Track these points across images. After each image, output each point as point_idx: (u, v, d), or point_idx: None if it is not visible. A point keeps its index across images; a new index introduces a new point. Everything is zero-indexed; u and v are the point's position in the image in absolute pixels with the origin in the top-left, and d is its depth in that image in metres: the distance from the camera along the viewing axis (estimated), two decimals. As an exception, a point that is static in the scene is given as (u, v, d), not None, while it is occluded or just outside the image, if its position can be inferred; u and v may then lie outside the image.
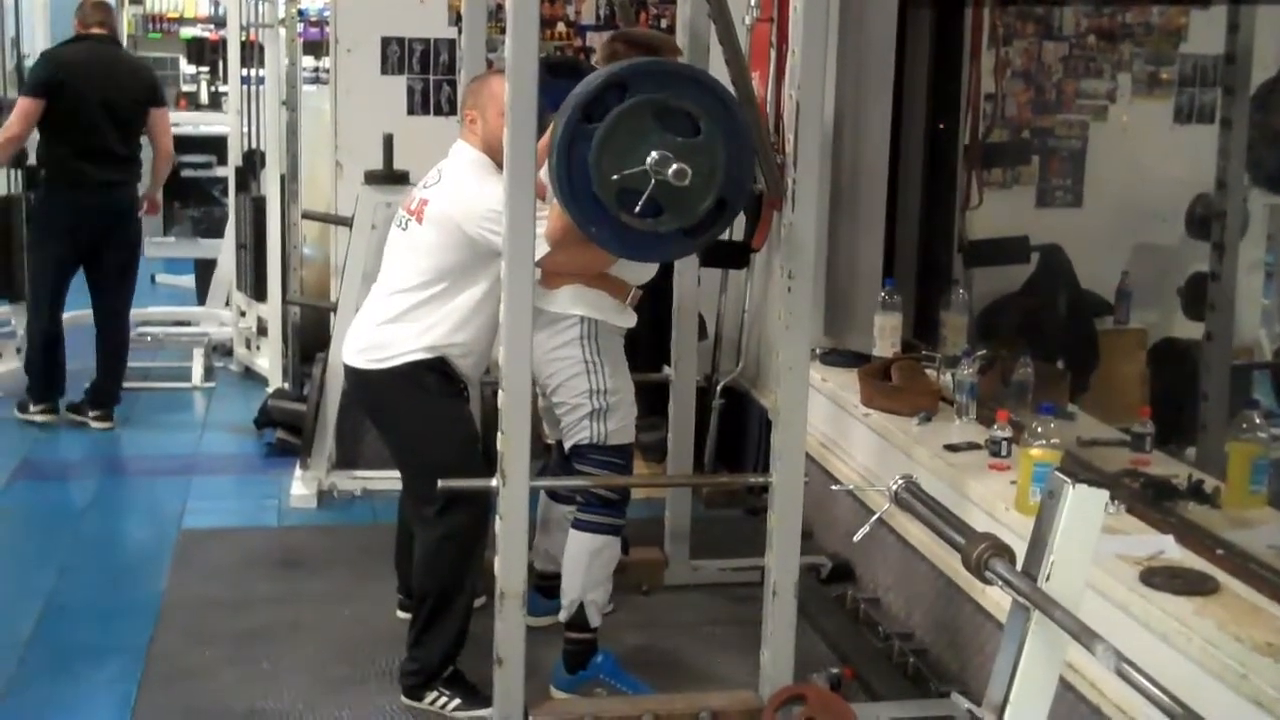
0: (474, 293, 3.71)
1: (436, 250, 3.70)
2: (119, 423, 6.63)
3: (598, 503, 3.81)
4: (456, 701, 3.76)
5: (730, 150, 3.13)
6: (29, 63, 7.54)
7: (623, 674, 3.85)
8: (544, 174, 3.52)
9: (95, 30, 6.52)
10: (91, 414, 6.58)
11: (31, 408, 6.58)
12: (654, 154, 3.06)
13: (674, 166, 3.04)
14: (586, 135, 3.08)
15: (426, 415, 3.77)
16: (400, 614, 4.24)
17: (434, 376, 3.74)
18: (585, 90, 3.13)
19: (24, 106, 6.36)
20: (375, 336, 3.78)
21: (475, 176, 3.68)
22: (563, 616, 3.87)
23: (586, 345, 3.74)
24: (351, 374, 3.91)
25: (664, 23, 6.04)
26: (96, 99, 6.36)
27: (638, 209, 3.10)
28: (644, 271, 3.86)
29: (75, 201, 6.41)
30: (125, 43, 11.46)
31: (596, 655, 3.86)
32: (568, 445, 3.86)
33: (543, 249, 3.43)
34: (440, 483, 3.47)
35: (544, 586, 4.26)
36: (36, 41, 7.74)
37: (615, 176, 3.07)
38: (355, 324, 3.95)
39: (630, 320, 3.85)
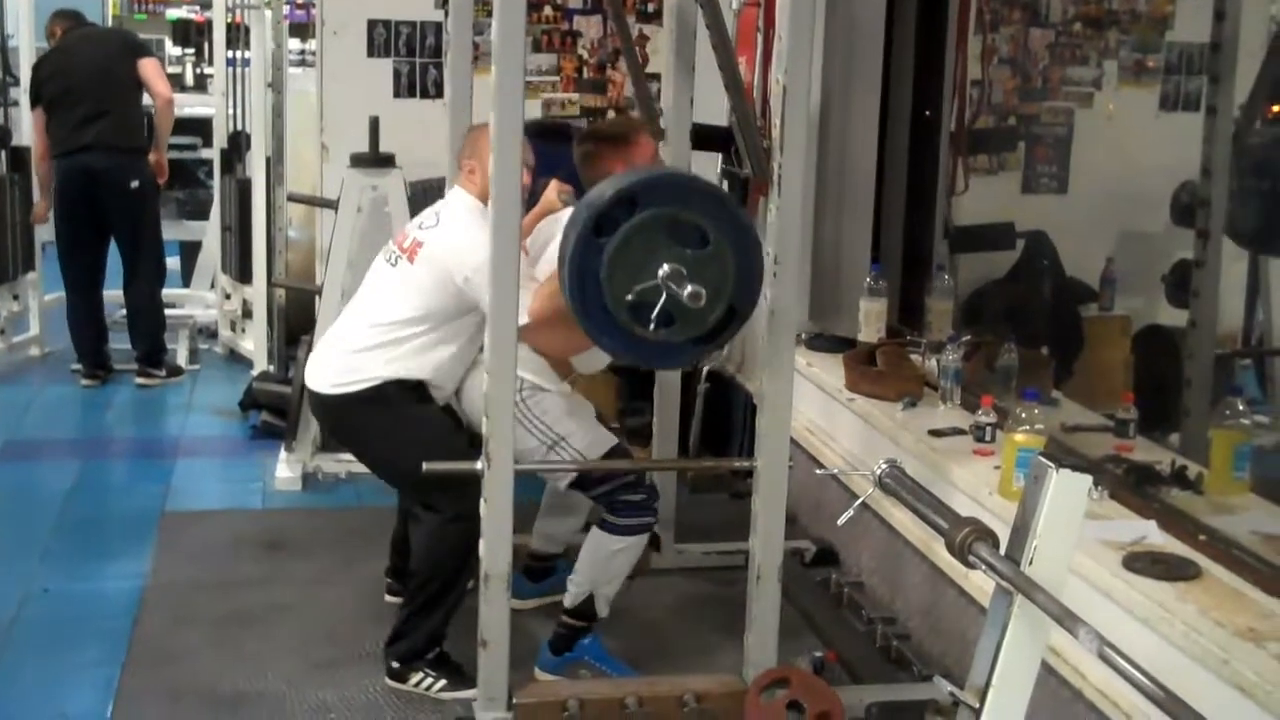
0: (454, 333, 3.75)
1: (426, 291, 3.72)
2: (114, 410, 6.75)
3: (627, 507, 3.77)
4: (442, 683, 3.76)
5: (739, 259, 3.13)
6: (13, 44, 7.61)
7: (607, 657, 3.86)
8: (528, 242, 3.52)
9: (67, 25, 6.97)
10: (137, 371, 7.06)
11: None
12: (665, 267, 3.06)
13: (689, 289, 3.03)
14: (597, 249, 3.08)
15: (395, 423, 3.77)
16: (389, 598, 4.24)
17: (394, 387, 3.74)
18: (595, 204, 3.14)
19: (34, 120, 6.97)
20: (345, 362, 3.79)
21: (472, 225, 3.65)
22: (568, 602, 3.86)
23: (519, 404, 3.61)
24: (314, 399, 3.90)
25: (650, 7, 6.03)
26: (72, 72, 6.73)
27: (651, 323, 3.10)
28: (597, 364, 3.90)
29: (68, 167, 6.78)
30: (110, 24, 11.50)
31: (584, 637, 3.87)
32: (563, 488, 3.88)
33: (522, 318, 3.41)
34: (425, 466, 3.46)
35: (534, 568, 4.27)
36: (21, 22, 7.70)
37: (629, 296, 3.07)
38: (324, 348, 3.95)
39: (565, 391, 3.86)
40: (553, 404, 3.77)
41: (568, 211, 3.59)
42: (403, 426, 3.76)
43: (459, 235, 3.69)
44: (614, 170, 3.65)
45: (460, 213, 3.78)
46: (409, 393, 3.76)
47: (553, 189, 3.89)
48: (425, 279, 3.72)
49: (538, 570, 4.30)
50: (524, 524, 3.75)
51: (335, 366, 3.81)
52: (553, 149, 3.90)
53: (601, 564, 3.80)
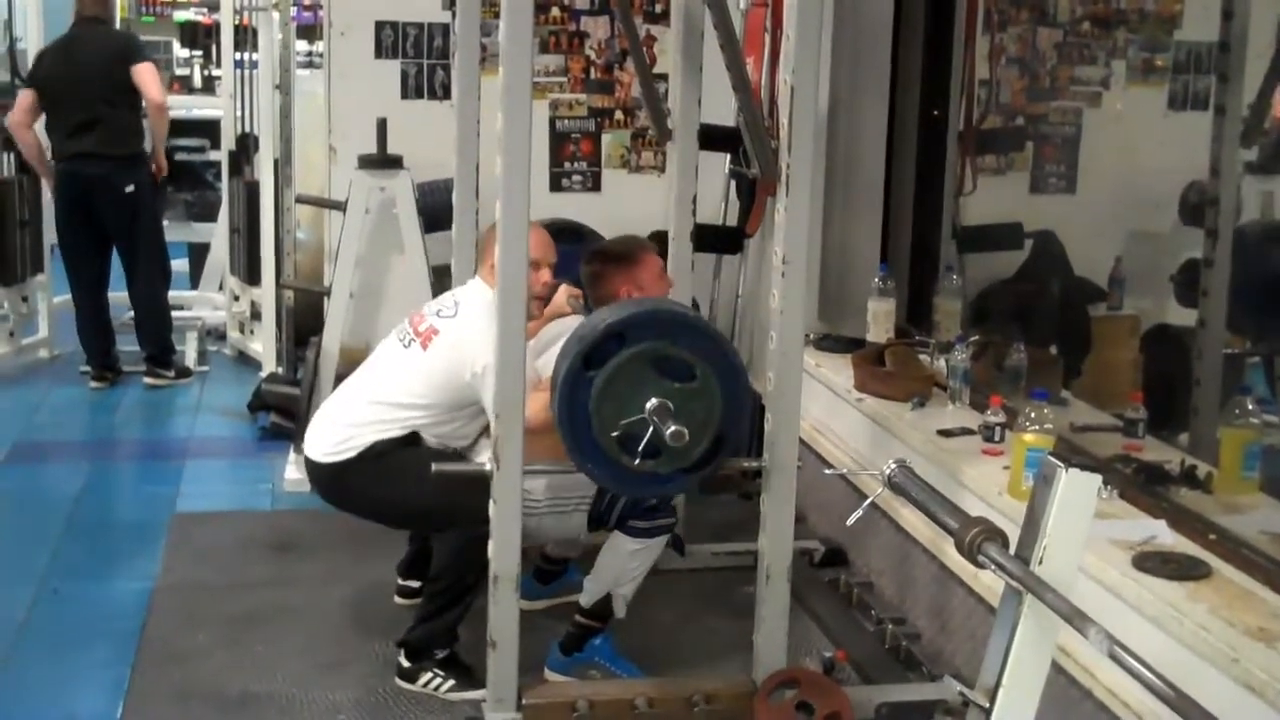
0: (453, 416, 3.77)
1: (434, 379, 3.75)
2: (123, 412, 6.78)
3: (646, 512, 3.78)
4: (450, 683, 3.77)
5: (725, 392, 3.21)
6: (21, 46, 7.62)
7: (617, 657, 3.86)
8: (532, 343, 3.54)
9: (88, 13, 6.85)
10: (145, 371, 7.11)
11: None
12: (652, 400, 3.15)
13: (671, 428, 3.11)
14: (586, 382, 3.17)
15: (388, 467, 3.76)
16: (398, 600, 4.25)
17: (384, 443, 3.76)
18: (586, 338, 3.21)
19: (19, 97, 6.93)
20: (342, 432, 3.81)
21: (486, 321, 3.57)
22: (584, 601, 3.86)
23: None
24: (310, 466, 3.92)
25: (658, 7, 6.02)
26: (70, 77, 6.71)
27: (637, 458, 3.18)
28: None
29: (64, 174, 6.82)
30: (119, 26, 11.51)
31: (595, 637, 3.86)
32: (584, 538, 3.94)
33: None
34: (435, 466, 3.46)
35: (545, 570, 4.27)
36: (30, 24, 7.71)
37: (615, 433, 3.16)
38: (324, 417, 3.95)
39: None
40: (533, 483, 3.77)
41: (576, 318, 3.63)
42: (397, 467, 3.75)
43: (474, 328, 3.69)
44: (620, 290, 3.78)
45: (479, 305, 3.77)
46: (398, 443, 3.77)
47: (562, 293, 3.96)
48: (435, 367, 3.75)
49: (548, 573, 4.30)
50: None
51: (334, 436, 3.83)
52: (563, 249, 3.95)
53: (620, 565, 3.80)
